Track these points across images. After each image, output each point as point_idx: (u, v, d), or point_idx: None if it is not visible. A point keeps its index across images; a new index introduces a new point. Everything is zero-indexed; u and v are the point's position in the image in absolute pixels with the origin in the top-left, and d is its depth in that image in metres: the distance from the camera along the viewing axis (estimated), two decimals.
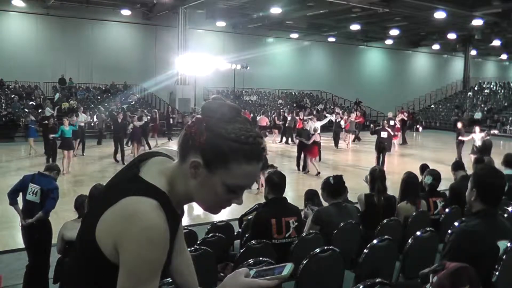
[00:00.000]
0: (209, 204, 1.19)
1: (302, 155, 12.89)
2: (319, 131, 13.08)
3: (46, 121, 14.63)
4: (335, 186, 4.11)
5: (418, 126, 30.56)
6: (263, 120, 20.29)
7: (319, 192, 4.45)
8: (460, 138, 14.03)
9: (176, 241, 1.30)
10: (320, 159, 14.07)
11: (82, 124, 16.23)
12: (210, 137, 1.11)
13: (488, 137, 12.38)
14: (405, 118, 20.29)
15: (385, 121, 16.07)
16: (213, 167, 1.11)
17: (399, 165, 14.13)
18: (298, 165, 13.07)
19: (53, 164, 5.46)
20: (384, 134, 13.41)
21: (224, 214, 7.85)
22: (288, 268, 1.15)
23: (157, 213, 1.08)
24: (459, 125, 14.31)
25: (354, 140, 20.92)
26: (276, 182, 3.79)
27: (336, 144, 19.02)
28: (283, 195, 3.87)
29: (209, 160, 1.11)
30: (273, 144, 19.43)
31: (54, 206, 5.06)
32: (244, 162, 1.11)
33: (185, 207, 1.29)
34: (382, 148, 13.36)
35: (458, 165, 6.34)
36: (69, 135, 12.51)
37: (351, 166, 14.36)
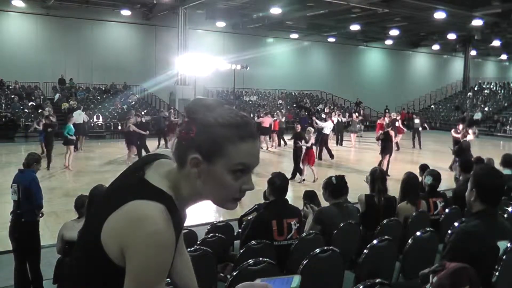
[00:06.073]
0: (222, 199, 1.18)
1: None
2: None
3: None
4: (337, 186, 4.11)
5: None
6: (267, 121, 18.59)
7: (318, 192, 4.45)
8: (454, 135, 14.01)
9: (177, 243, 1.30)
10: (321, 158, 14.16)
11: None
12: (200, 129, 1.12)
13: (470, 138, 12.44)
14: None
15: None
16: (212, 157, 1.11)
17: (398, 165, 14.10)
18: (297, 173, 11.86)
19: (30, 156, 5.35)
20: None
21: (224, 214, 7.86)
22: (296, 280, 1.15)
23: (164, 218, 1.08)
24: (461, 126, 14.29)
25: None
26: (278, 185, 3.77)
27: (338, 142, 19.14)
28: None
29: (206, 151, 1.11)
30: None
31: (40, 194, 5.10)
32: (239, 142, 1.11)
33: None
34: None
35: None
36: (72, 132, 13.27)
37: (353, 166, 14.37)
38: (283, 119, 20.15)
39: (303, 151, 11.57)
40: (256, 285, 1.17)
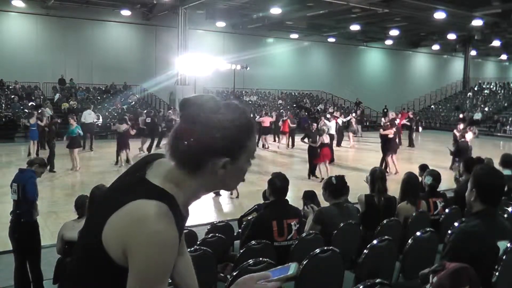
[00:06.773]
0: (235, 184, 1.30)
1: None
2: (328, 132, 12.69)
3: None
4: (337, 186, 4.11)
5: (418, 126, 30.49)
6: (267, 120, 18.56)
7: (318, 192, 4.45)
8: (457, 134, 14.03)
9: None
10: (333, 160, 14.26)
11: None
12: (221, 134, 1.14)
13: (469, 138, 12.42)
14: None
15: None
16: (238, 155, 1.18)
17: (398, 165, 14.10)
18: (313, 173, 12.02)
19: (35, 157, 5.40)
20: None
21: (224, 215, 7.86)
22: (293, 267, 1.16)
23: (167, 217, 1.08)
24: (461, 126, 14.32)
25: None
26: (279, 186, 3.78)
27: (339, 143, 19.18)
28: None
29: (234, 153, 1.16)
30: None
31: (34, 191, 5.06)
32: (252, 135, 1.21)
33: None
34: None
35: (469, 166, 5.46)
36: (74, 134, 12.72)
37: (353, 166, 14.36)
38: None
39: (318, 150, 11.71)
40: (255, 275, 1.19)
